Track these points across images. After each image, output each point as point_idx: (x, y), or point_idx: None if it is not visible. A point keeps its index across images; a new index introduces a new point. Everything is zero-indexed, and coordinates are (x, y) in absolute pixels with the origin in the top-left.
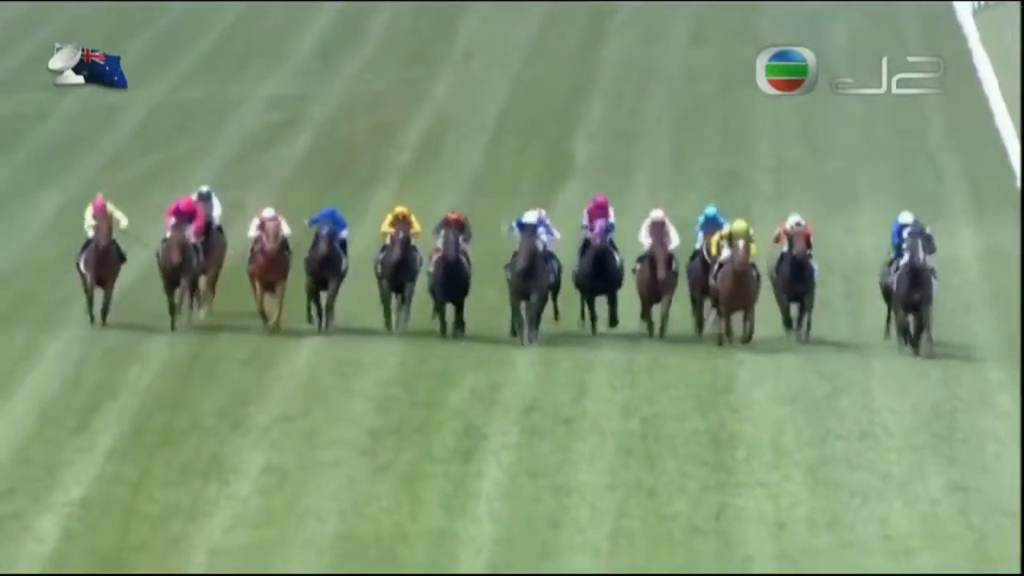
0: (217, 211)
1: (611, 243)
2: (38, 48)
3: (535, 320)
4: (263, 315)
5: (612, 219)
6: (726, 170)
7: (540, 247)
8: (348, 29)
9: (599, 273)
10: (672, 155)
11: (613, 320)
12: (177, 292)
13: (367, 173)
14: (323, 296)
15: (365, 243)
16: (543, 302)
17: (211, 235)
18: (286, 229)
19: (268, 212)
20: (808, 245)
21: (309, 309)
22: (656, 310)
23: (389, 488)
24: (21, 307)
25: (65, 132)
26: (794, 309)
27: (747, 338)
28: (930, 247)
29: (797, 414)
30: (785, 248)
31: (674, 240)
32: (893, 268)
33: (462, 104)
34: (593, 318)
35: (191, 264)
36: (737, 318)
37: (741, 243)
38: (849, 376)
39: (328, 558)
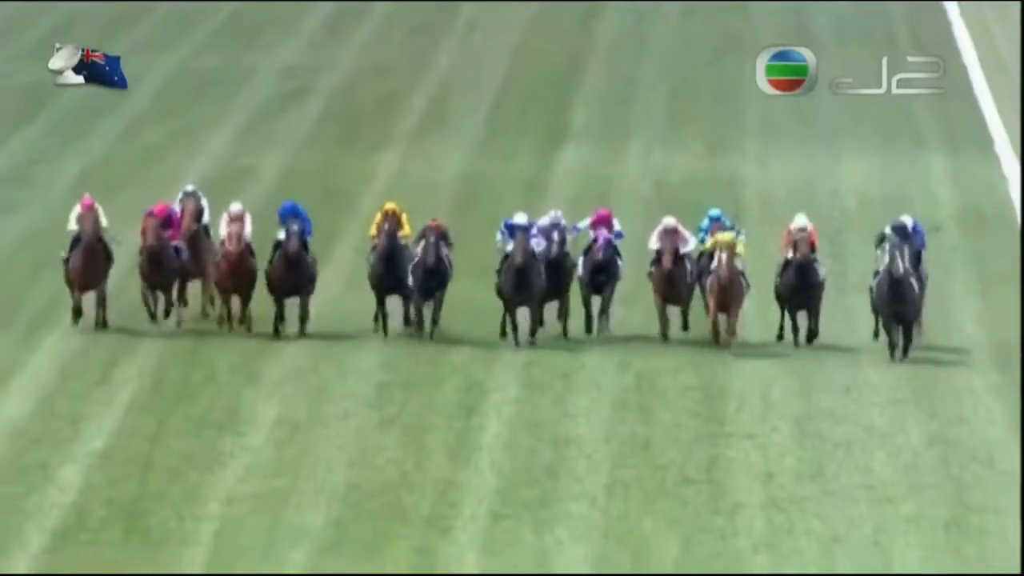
0: (206, 211)
1: (615, 250)
2: (62, 19)
3: (533, 326)
4: (229, 317)
5: (618, 228)
6: (717, 134)
7: (534, 248)
8: (355, 3)
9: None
10: (666, 121)
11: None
12: (157, 295)
13: (375, 137)
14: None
15: (370, 209)
16: (539, 306)
17: (199, 238)
18: (248, 229)
19: (235, 207)
20: (812, 249)
21: (277, 319)
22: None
23: (395, 439)
24: (46, 267)
25: (86, 99)
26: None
27: (728, 342)
28: (916, 250)
29: (785, 370)
30: (790, 254)
31: (689, 243)
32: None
33: (465, 73)
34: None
35: (170, 259)
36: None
37: (725, 256)
38: (835, 332)
39: (338, 506)
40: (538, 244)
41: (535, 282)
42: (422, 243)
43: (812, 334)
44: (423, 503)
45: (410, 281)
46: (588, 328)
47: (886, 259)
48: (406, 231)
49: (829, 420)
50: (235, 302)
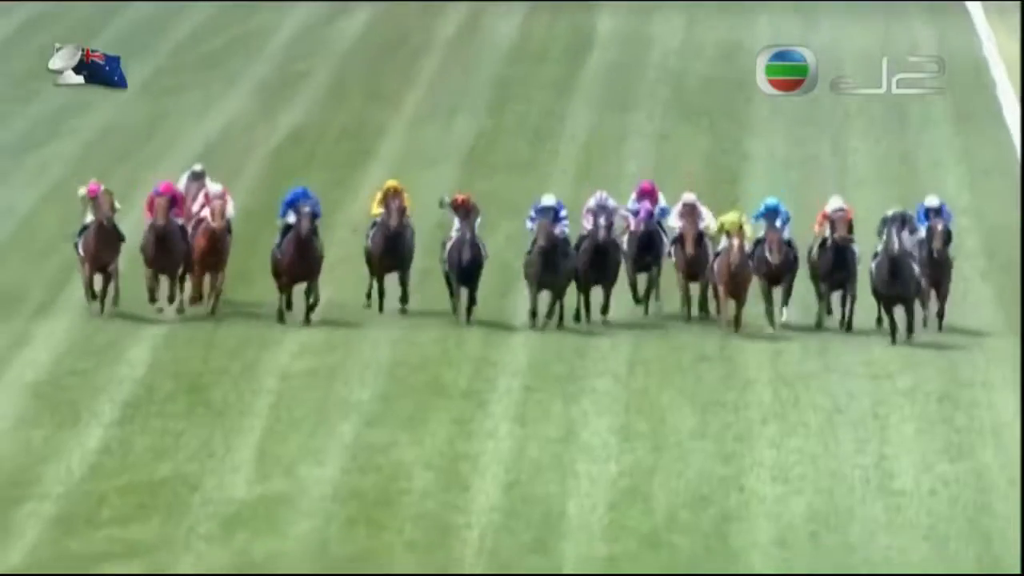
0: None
1: (660, 226)
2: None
3: (553, 310)
4: (200, 297)
5: (663, 203)
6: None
7: (560, 232)
8: None
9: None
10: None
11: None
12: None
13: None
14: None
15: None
16: (561, 292)
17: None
18: (231, 210)
19: (215, 188)
20: (849, 230)
21: (283, 307)
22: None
23: (436, 321)
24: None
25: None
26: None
27: (737, 325)
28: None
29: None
30: (827, 233)
31: (706, 219)
32: (916, 248)
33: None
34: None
35: (177, 240)
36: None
37: (736, 240)
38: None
39: (383, 381)
40: (562, 229)
41: (561, 265)
42: (455, 224)
43: (849, 320)
44: (461, 378)
45: (445, 267)
46: (577, 316)
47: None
48: (407, 203)
49: (832, 320)
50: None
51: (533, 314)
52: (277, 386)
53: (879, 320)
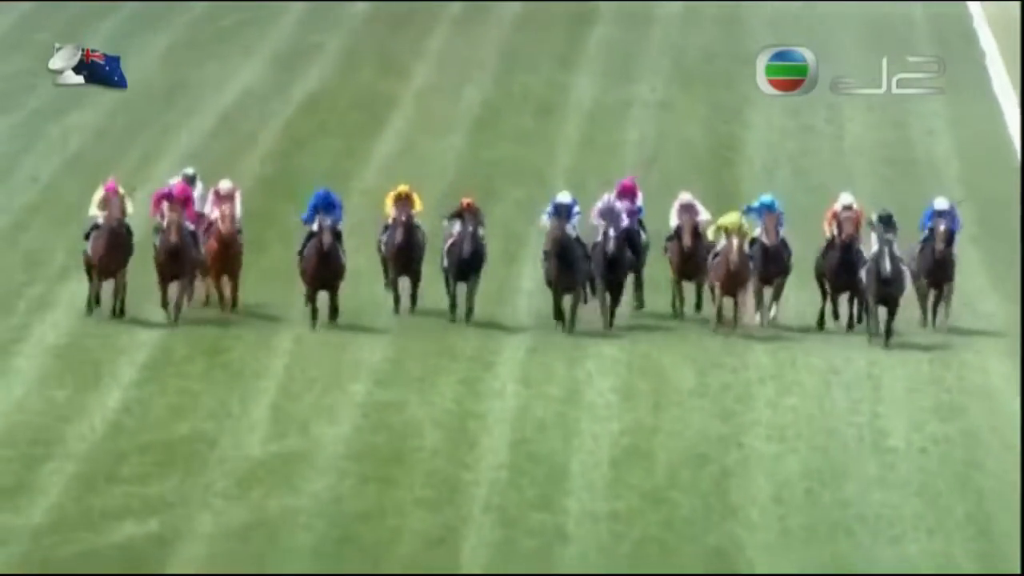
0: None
1: (640, 224)
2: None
3: (572, 312)
4: (221, 298)
5: (640, 203)
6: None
7: (572, 232)
8: None
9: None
10: None
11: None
12: (173, 287)
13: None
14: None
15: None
16: (580, 291)
17: (198, 223)
18: (239, 208)
19: (225, 185)
20: (857, 229)
21: (312, 313)
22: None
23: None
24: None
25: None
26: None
27: (735, 324)
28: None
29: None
30: (835, 232)
31: (703, 215)
32: (918, 248)
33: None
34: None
35: (190, 251)
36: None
37: (736, 240)
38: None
39: (393, 345)
40: (575, 227)
41: (574, 264)
42: (456, 224)
43: (854, 320)
44: (468, 342)
45: (445, 263)
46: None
47: (875, 246)
48: (418, 207)
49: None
50: (225, 284)
51: (559, 316)
52: (291, 348)
53: (858, 318)
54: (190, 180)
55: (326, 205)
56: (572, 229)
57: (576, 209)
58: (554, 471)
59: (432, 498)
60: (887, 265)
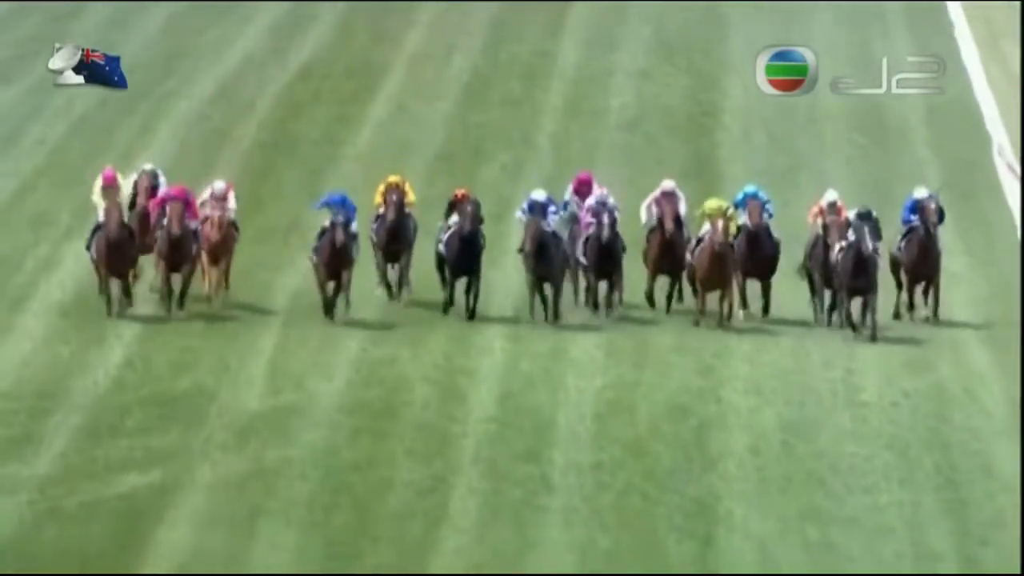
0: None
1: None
2: None
3: (555, 306)
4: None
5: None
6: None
7: (548, 227)
8: None
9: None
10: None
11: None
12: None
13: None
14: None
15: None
16: (560, 286)
17: (147, 217)
18: (232, 205)
19: (219, 185)
20: (844, 231)
21: (325, 302)
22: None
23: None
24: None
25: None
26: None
27: (724, 319)
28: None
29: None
30: (820, 230)
31: (682, 208)
32: (898, 243)
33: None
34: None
35: (191, 242)
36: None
37: (720, 223)
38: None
39: (385, 304)
40: (550, 223)
41: (553, 258)
42: (454, 217)
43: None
44: (458, 300)
45: (442, 252)
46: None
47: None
48: (411, 199)
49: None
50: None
51: (542, 306)
52: (287, 306)
53: (831, 308)
54: (152, 175)
55: (341, 204)
56: (548, 225)
57: (552, 208)
58: (540, 424)
59: (422, 450)
60: (866, 248)
